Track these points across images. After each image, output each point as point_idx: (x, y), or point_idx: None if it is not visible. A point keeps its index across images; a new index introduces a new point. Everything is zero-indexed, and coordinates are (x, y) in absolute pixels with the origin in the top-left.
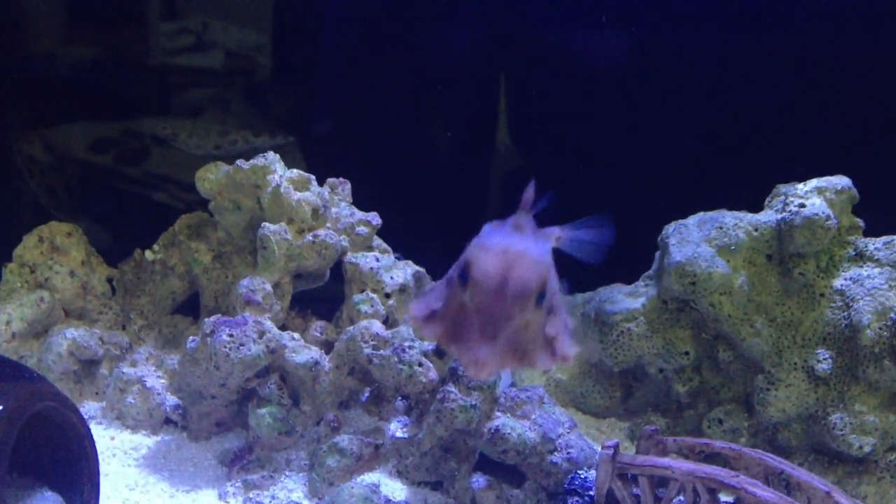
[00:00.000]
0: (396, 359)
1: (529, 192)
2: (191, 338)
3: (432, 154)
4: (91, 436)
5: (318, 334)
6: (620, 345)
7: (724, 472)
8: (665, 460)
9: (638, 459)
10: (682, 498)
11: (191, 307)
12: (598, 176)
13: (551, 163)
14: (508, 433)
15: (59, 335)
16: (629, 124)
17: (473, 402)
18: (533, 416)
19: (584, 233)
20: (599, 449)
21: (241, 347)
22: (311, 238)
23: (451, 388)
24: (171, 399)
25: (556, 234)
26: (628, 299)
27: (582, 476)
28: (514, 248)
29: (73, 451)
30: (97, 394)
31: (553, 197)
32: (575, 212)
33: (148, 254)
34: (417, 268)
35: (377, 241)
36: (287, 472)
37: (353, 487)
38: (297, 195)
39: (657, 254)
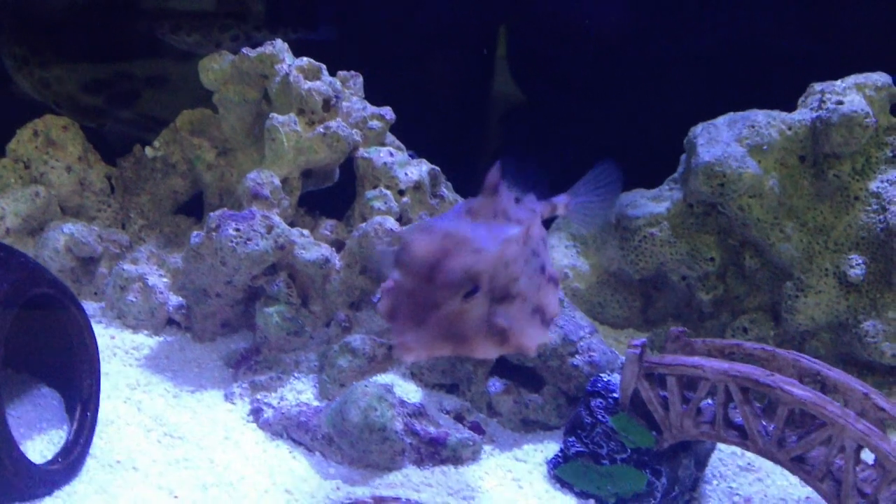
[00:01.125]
0: None
1: (493, 175)
2: (195, 232)
3: (438, 62)
4: (91, 327)
5: (328, 233)
6: (642, 251)
7: (758, 370)
8: (696, 359)
9: (667, 359)
10: (710, 401)
11: (193, 208)
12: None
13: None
14: None
15: (56, 230)
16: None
17: None
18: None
19: (590, 197)
20: (621, 355)
21: (249, 242)
22: (321, 130)
23: None
24: (175, 299)
25: (563, 202)
26: (652, 203)
27: (605, 379)
28: (453, 236)
29: (73, 344)
30: (96, 294)
31: (534, 168)
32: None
33: (148, 151)
34: (432, 165)
35: (390, 137)
36: (296, 374)
37: (366, 386)
38: (308, 84)
39: (683, 156)
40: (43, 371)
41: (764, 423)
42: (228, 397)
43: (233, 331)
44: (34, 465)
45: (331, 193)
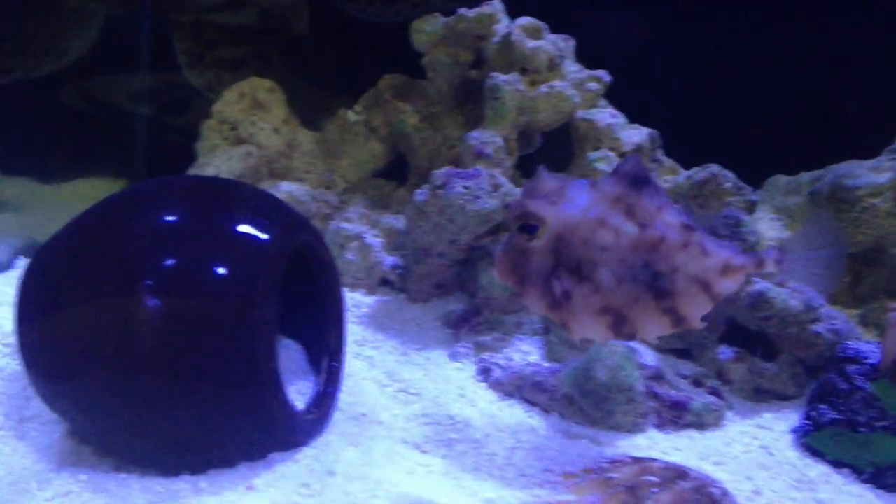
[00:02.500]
0: None
1: (631, 164)
2: (418, 190)
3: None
4: (339, 277)
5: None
6: (862, 222)
7: None
8: None
9: None
10: None
11: (390, 171)
12: None
13: None
14: (773, 297)
15: (273, 188)
16: None
17: None
18: (791, 284)
19: (810, 254)
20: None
21: (477, 200)
22: (545, 89)
23: None
24: (389, 259)
25: (773, 258)
26: (872, 174)
27: (854, 345)
28: (554, 188)
29: (322, 295)
30: None
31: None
32: None
33: (350, 114)
34: (651, 129)
35: (602, 101)
36: (519, 335)
37: (612, 346)
38: (532, 43)
39: None
40: (288, 321)
41: None
42: (454, 357)
43: (447, 293)
44: (298, 411)
45: (530, 158)
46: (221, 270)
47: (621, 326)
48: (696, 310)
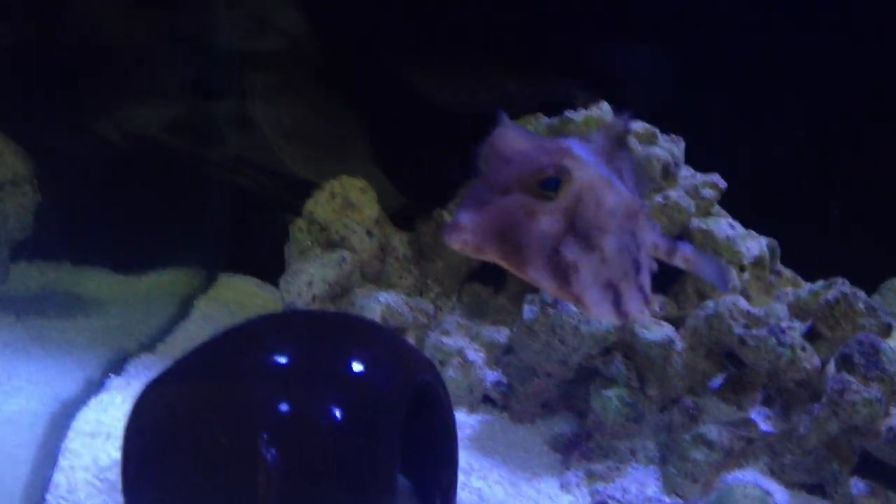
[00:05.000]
0: (775, 340)
1: (622, 122)
2: (527, 307)
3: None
4: (453, 414)
5: (659, 310)
6: None
7: None
8: None
9: None
10: None
11: (483, 275)
12: None
13: None
14: None
15: (371, 299)
16: None
17: (878, 395)
18: None
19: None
20: None
21: (591, 321)
22: (660, 200)
23: (849, 377)
24: (491, 374)
25: (689, 255)
26: None
27: None
28: (556, 141)
29: (438, 432)
30: None
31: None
32: None
33: (444, 215)
34: (770, 238)
35: (716, 207)
36: (634, 464)
37: (745, 487)
38: (645, 150)
39: None
40: (404, 459)
41: None
42: (565, 486)
43: (552, 412)
44: None
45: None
46: (341, 415)
47: (619, 304)
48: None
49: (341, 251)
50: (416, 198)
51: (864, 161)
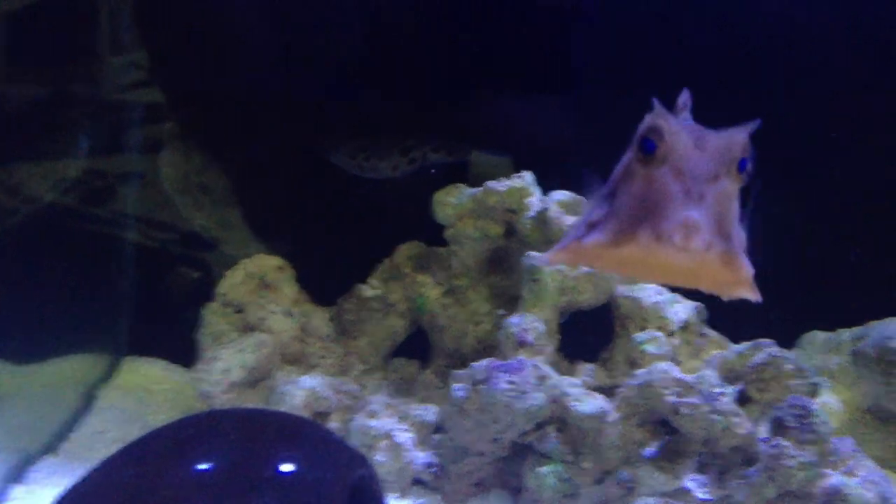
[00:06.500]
0: (709, 408)
1: (685, 97)
2: (456, 385)
3: None
4: None
5: (590, 379)
6: None
7: None
8: None
9: None
10: None
11: (409, 349)
12: None
13: None
14: (850, 493)
15: (293, 384)
16: None
17: (812, 458)
18: (860, 473)
19: None
20: None
21: (524, 396)
22: (585, 268)
23: (784, 441)
24: (422, 455)
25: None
26: None
27: None
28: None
29: None
30: None
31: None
32: None
33: (365, 289)
34: (695, 302)
35: None
36: None
37: None
38: (570, 220)
39: None
40: None
41: None
42: None
43: (486, 491)
44: None
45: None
46: None
47: None
48: None
49: (259, 334)
50: (335, 272)
51: (772, 221)
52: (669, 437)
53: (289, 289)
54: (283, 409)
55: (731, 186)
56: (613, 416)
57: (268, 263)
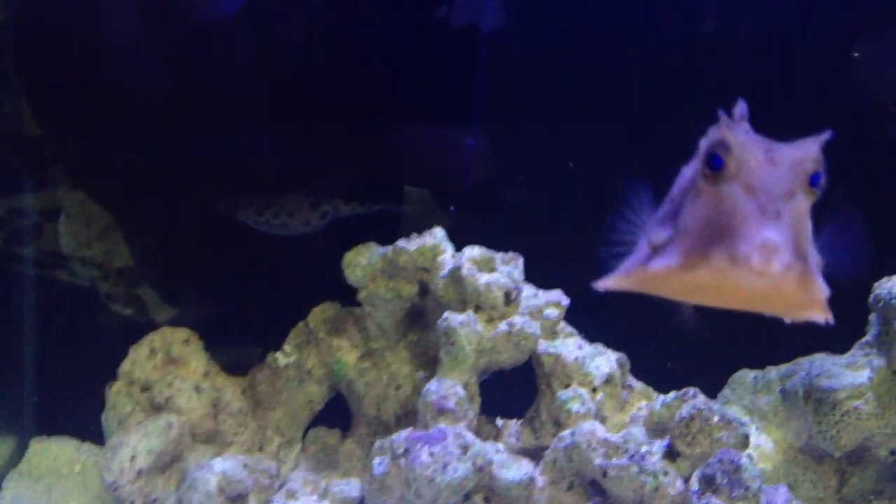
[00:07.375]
0: (637, 468)
1: (741, 108)
2: (377, 459)
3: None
4: None
5: (514, 440)
6: (845, 426)
7: None
8: None
9: None
10: None
11: (328, 417)
12: None
13: None
14: None
15: (205, 469)
16: None
17: None
18: None
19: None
20: None
21: (447, 468)
22: (505, 328)
23: (715, 499)
24: None
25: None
26: (849, 372)
27: None
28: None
29: None
30: None
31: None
32: None
33: (279, 357)
34: (617, 353)
35: (561, 324)
36: None
37: None
38: (485, 277)
39: (874, 317)
40: None
41: None
42: None
43: None
44: None
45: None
46: None
47: None
48: None
49: (166, 415)
50: (247, 338)
51: None
52: (600, 498)
53: (197, 362)
54: (195, 496)
55: (805, 203)
56: (540, 481)
57: (174, 336)
